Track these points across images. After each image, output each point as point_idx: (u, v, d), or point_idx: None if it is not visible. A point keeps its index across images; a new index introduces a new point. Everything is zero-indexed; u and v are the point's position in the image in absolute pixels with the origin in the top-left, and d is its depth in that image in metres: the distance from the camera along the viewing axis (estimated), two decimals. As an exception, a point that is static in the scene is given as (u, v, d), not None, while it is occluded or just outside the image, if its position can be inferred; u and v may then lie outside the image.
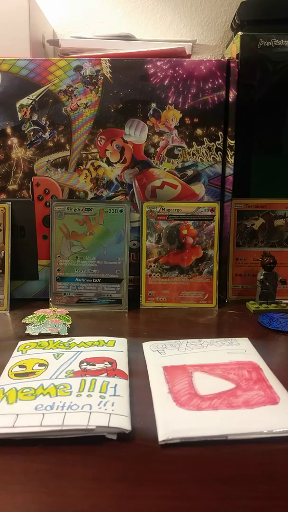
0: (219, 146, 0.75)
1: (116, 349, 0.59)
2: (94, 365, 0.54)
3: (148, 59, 0.72)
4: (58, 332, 0.65)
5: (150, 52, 0.75)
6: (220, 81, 0.72)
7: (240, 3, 0.80)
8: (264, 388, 0.49)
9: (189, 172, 0.76)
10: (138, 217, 0.77)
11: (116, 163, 0.76)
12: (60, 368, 0.53)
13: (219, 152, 0.75)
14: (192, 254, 0.76)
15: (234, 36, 0.82)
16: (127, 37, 0.80)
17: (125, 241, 0.75)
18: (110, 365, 0.54)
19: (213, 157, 0.76)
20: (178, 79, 0.72)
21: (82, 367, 0.53)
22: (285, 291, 0.79)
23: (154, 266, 0.77)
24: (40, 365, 0.54)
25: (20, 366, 0.54)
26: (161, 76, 0.72)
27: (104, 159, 0.76)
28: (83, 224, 0.75)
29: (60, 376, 0.51)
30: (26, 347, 0.59)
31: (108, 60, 0.72)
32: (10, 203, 0.76)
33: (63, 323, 0.68)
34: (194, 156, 0.76)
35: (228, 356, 0.57)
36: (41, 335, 0.65)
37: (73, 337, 0.62)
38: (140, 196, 0.77)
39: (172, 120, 0.74)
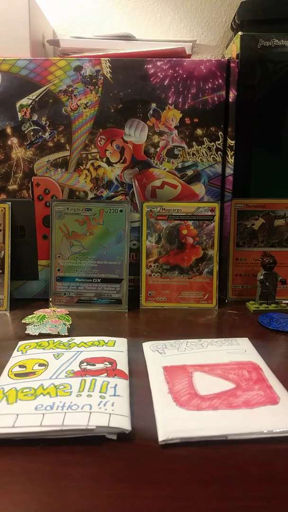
0: (219, 146, 0.75)
1: (116, 349, 0.59)
2: (94, 365, 0.54)
3: (148, 59, 0.72)
4: (58, 332, 0.65)
5: (150, 52, 0.75)
6: (220, 81, 0.72)
7: (240, 3, 0.80)
8: (264, 388, 0.49)
9: (189, 172, 0.76)
10: (138, 217, 0.77)
11: (116, 163, 0.76)
12: (60, 368, 0.53)
13: (219, 152, 0.75)
14: (192, 254, 0.76)
15: (234, 36, 0.82)
16: (127, 37, 0.80)
17: (125, 241, 0.75)
18: (110, 365, 0.54)
19: (213, 157, 0.76)
20: (178, 79, 0.72)
21: (82, 367, 0.53)
22: (285, 291, 0.79)
23: (154, 266, 0.77)
24: (40, 365, 0.54)
25: (20, 366, 0.54)
26: (161, 76, 0.72)
27: (104, 159, 0.76)
28: (83, 224, 0.75)
29: (60, 376, 0.51)
30: (26, 347, 0.59)
31: (108, 60, 0.72)
32: (10, 203, 0.76)
33: (63, 323, 0.68)
34: (194, 156, 0.76)
35: (228, 356, 0.57)
36: (41, 335, 0.65)
37: (73, 337, 0.62)
38: (140, 196, 0.77)
39: (172, 120, 0.74)
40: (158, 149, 0.75)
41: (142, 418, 0.45)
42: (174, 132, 0.74)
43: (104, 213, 0.75)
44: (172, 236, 0.76)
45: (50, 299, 0.76)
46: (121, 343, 0.61)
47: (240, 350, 0.59)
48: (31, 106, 0.73)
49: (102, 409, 0.44)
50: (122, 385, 0.49)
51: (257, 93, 0.77)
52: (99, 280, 0.76)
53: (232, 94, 0.73)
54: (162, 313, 0.74)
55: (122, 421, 0.43)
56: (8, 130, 0.74)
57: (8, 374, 0.52)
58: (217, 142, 0.75)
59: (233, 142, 0.75)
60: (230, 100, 0.73)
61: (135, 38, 0.80)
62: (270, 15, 0.79)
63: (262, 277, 0.75)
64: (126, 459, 0.40)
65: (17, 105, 0.73)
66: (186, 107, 0.73)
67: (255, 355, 0.57)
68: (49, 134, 0.74)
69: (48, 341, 0.61)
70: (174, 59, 0.72)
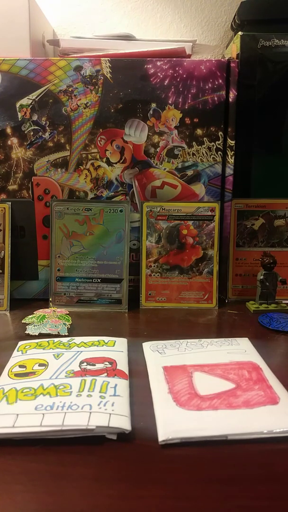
0: (219, 146, 0.75)
1: (116, 349, 0.59)
2: (94, 365, 0.54)
3: (148, 59, 0.72)
4: (58, 332, 0.65)
5: (150, 52, 0.75)
6: (220, 81, 0.72)
7: (240, 3, 0.80)
8: (264, 388, 0.49)
9: (189, 172, 0.76)
10: (138, 217, 0.77)
11: (116, 163, 0.76)
12: (60, 368, 0.53)
13: (219, 152, 0.75)
14: (192, 254, 0.76)
15: (234, 36, 0.82)
16: (127, 37, 0.80)
17: (125, 241, 0.75)
18: (110, 365, 0.54)
19: (213, 157, 0.76)
20: (178, 79, 0.72)
21: (82, 367, 0.53)
22: (285, 291, 0.79)
23: (154, 266, 0.77)
24: (40, 365, 0.54)
25: (20, 366, 0.54)
26: (161, 76, 0.72)
27: (104, 159, 0.76)
28: (83, 224, 0.75)
29: (60, 376, 0.51)
30: (26, 347, 0.59)
31: (108, 60, 0.72)
32: (10, 203, 0.76)
33: (63, 323, 0.68)
34: (194, 156, 0.76)
35: (228, 356, 0.57)
36: (41, 335, 0.65)
37: (73, 337, 0.62)
38: (140, 196, 0.77)
39: (172, 120, 0.74)
40: (158, 149, 0.75)
41: (142, 418, 0.45)
42: (174, 132, 0.74)
43: (104, 213, 0.75)
44: (172, 236, 0.76)
45: (50, 299, 0.76)
46: (121, 343, 0.61)
47: (240, 350, 0.59)
48: (31, 106, 0.73)
49: (102, 409, 0.44)
50: (122, 385, 0.49)
51: (257, 93, 0.77)
52: (99, 280, 0.76)
53: (232, 94, 0.73)
54: (162, 313, 0.74)
55: (122, 421, 0.43)
56: (8, 130, 0.74)
57: (8, 374, 0.52)
58: (217, 142, 0.75)
59: (233, 142, 0.75)
60: (230, 100, 0.73)
61: (135, 38, 0.80)
62: (270, 15, 0.79)
63: (262, 277, 0.75)
64: (126, 459, 0.40)
65: (17, 105, 0.73)
66: (186, 107, 0.73)
67: (255, 355, 0.57)
68: (49, 134, 0.74)
69: (48, 341, 0.61)
70: (174, 59, 0.72)
